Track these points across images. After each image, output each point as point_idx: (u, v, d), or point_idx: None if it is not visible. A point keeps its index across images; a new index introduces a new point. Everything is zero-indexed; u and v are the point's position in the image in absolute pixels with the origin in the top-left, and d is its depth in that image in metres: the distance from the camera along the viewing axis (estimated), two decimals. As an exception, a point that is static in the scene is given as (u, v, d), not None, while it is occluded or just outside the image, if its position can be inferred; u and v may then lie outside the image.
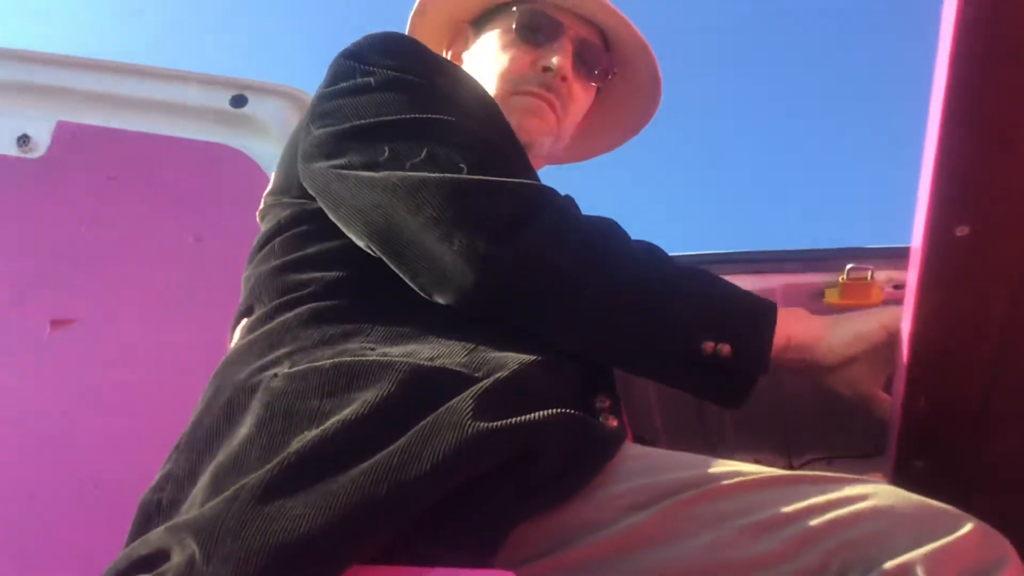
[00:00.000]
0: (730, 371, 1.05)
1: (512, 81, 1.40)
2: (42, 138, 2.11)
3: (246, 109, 2.16)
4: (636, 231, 1.12)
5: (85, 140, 2.13)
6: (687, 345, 1.04)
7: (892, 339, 1.13)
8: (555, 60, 1.40)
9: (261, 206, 1.33)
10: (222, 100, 2.17)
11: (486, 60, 1.44)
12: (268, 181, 1.32)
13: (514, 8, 1.45)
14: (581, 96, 1.48)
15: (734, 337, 1.04)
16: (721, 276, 1.85)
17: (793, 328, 1.13)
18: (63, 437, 1.88)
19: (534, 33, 1.42)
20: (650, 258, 1.11)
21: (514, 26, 1.43)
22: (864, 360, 1.17)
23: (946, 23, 0.78)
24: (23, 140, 2.10)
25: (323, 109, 1.23)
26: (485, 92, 1.33)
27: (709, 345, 1.03)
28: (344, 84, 1.23)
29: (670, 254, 1.92)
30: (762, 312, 1.09)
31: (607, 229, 1.11)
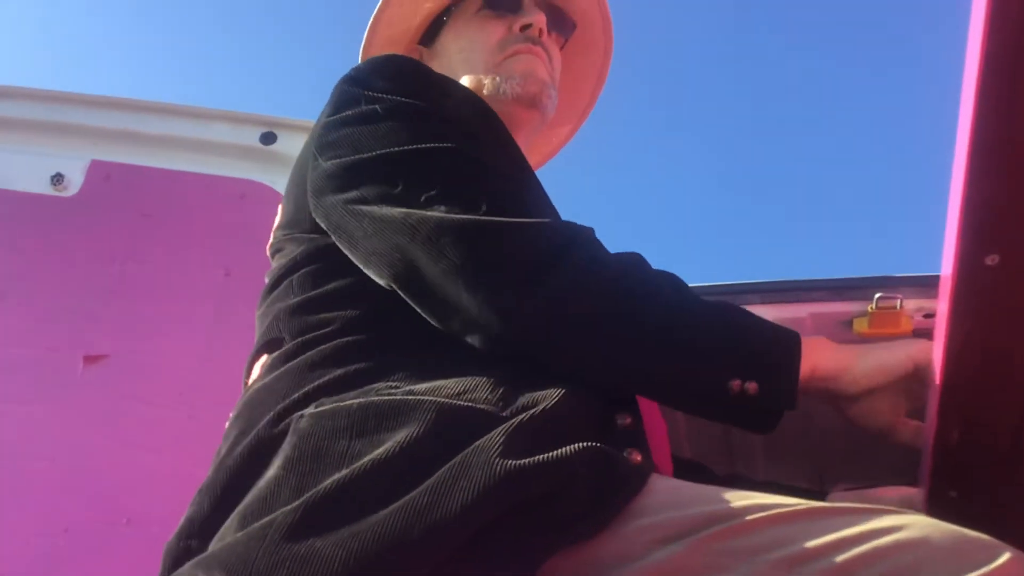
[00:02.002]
0: (757, 407, 1.05)
1: (496, 49, 1.41)
2: (76, 177, 2.15)
3: (275, 146, 2.19)
4: (663, 261, 1.11)
5: (118, 178, 2.16)
6: (714, 385, 1.03)
7: (919, 371, 1.12)
8: (531, 18, 1.43)
9: (271, 240, 1.31)
10: (252, 137, 2.21)
11: (459, 50, 1.45)
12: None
13: None
14: (556, 52, 1.51)
15: (761, 375, 1.03)
16: (748, 307, 1.85)
17: (818, 358, 1.12)
18: (95, 471, 1.90)
19: (500, 4, 1.45)
20: (676, 294, 1.09)
21: (480, 4, 1.45)
22: (888, 391, 1.15)
23: (972, 50, 0.78)
24: (57, 179, 2.14)
25: (330, 139, 1.19)
26: (487, 107, 1.31)
27: (736, 384, 1.02)
28: (349, 112, 1.20)
29: (697, 284, 1.93)
30: (788, 346, 1.08)
31: (632, 266, 1.10)
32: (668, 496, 0.92)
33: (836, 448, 1.56)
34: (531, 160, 1.66)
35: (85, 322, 2.02)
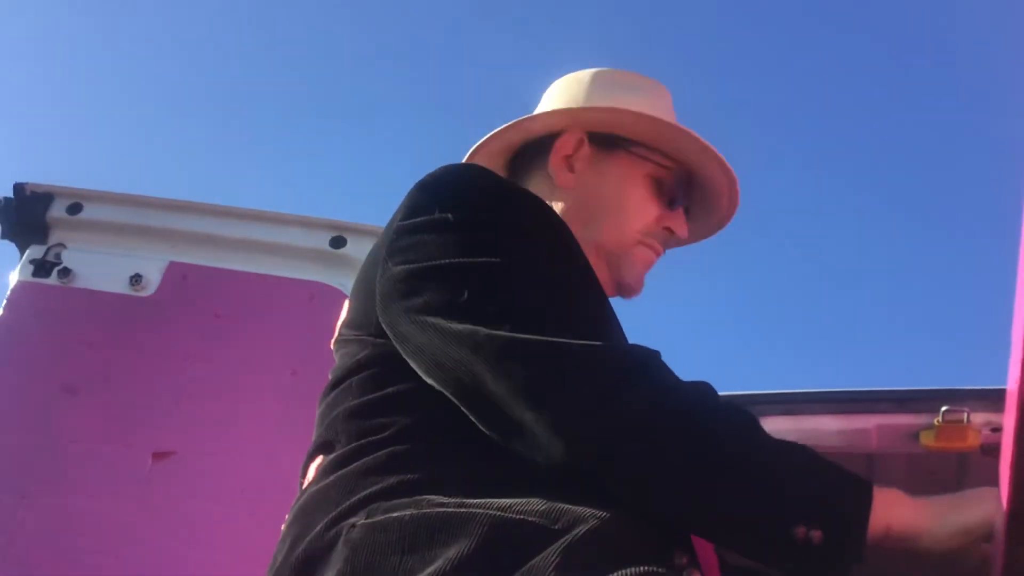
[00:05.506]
0: (821, 557, 1.02)
1: (643, 229, 1.42)
2: (153, 277, 2.23)
3: (344, 249, 2.24)
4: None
5: (193, 279, 2.24)
6: (778, 529, 1.00)
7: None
8: (679, 226, 1.44)
9: (336, 336, 1.30)
10: (322, 241, 2.27)
11: (615, 200, 1.43)
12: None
13: (661, 164, 1.45)
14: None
15: (827, 523, 1.00)
16: (812, 416, 1.81)
17: (893, 516, 1.06)
18: (157, 565, 1.92)
19: (671, 196, 1.44)
20: (744, 431, 1.07)
21: (662, 186, 1.45)
22: (969, 549, 1.11)
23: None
24: (136, 279, 2.22)
25: (401, 244, 1.19)
26: (564, 227, 1.27)
27: (801, 531, 0.99)
28: (422, 219, 1.19)
29: (761, 392, 1.90)
30: (858, 496, 1.04)
31: (700, 398, 1.08)
32: None
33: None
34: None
35: (155, 419, 2.06)
